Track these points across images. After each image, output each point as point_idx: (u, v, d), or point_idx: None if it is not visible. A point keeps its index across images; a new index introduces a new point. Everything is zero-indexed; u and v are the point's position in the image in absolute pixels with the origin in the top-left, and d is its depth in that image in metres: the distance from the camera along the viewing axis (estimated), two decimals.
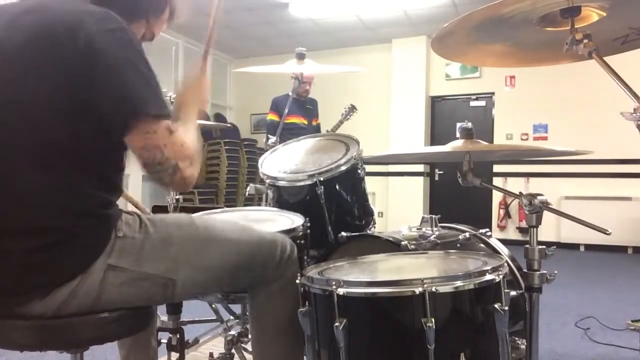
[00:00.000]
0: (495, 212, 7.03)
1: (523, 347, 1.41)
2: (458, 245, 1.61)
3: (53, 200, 1.02)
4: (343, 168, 1.79)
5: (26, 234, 1.00)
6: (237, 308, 1.79)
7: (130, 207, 1.38)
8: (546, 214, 1.27)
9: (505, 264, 1.15)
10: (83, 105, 1.00)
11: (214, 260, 1.18)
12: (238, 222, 1.37)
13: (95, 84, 0.99)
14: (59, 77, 0.99)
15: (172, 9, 1.27)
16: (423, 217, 1.73)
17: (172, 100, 1.82)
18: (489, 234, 1.74)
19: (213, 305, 1.91)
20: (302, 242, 1.53)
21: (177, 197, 2.23)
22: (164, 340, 1.56)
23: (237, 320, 1.84)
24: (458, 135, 1.44)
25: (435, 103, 7.54)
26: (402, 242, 1.49)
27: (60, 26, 1.00)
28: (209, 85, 1.33)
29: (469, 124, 1.41)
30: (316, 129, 4.65)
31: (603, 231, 1.22)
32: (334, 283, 1.07)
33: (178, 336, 1.52)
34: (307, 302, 1.15)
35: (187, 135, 1.10)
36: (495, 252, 1.63)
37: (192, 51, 7.29)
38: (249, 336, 1.77)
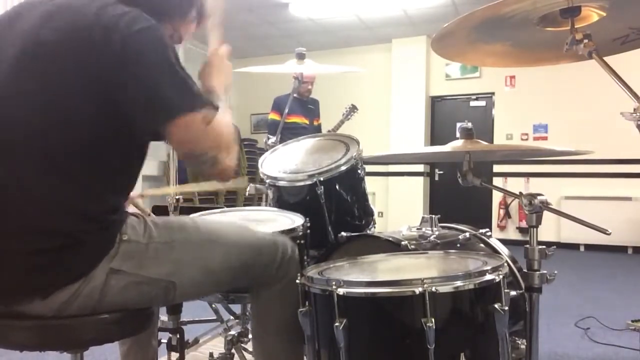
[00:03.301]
0: (495, 212, 7.03)
1: (523, 347, 1.41)
2: (458, 245, 1.61)
3: (65, 203, 1.01)
4: (343, 168, 1.79)
5: (35, 234, 1.00)
6: (237, 308, 1.79)
7: (131, 208, 1.38)
8: (546, 214, 1.27)
9: (505, 264, 1.15)
10: (112, 107, 1.00)
11: (216, 262, 1.18)
12: (239, 223, 1.37)
13: (127, 84, 0.99)
14: (91, 79, 0.99)
15: (199, 10, 1.26)
16: (423, 217, 1.73)
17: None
18: (489, 234, 1.74)
19: (213, 305, 1.91)
20: (302, 242, 1.53)
21: (177, 197, 2.23)
22: (164, 340, 1.56)
23: (237, 320, 1.84)
24: (458, 135, 1.44)
25: (435, 103, 7.54)
26: (402, 242, 1.49)
27: (95, 27, 0.99)
28: (228, 65, 1.28)
29: (469, 124, 1.41)
30: (317, 129, 4.64)
31: (603, 231, 1.22)
32: (334, 283, 1.07)
33: (178, 336, 1.52)
34: (307, 302, 1.15)
35: (222, 123, 1.07)
36: (495, 252, 1.63)
37: (191, 51, 7.28)
38: (249, 336, 1.77)
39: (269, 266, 1.26)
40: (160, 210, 2.14)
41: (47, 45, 1.01)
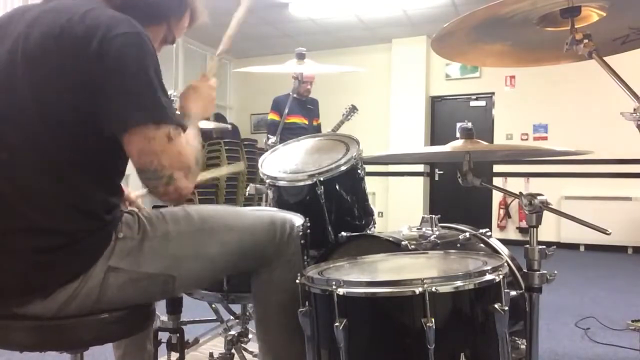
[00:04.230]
0: (495, 212, 7.03)
1: (523, 347, 1.41)
2: (458, 245, 1.61)
3: (61, 202, 1.02)
4: (343, 168, 1.79)
5: (33, 234, 1.01)
6: (237, 308, 1.79)
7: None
8: (546, 214, 1.27)
9: (505, 264, 1.15)
10: (93, 108, 1.00)
11: (213, 250, 1.18)
12: (233, 207, 1.36)
13: (102, 86, 0.99)
14: (73, 79, 0.99)
15: (192, 12, 1.26)
16: (423, 217, 1.73)
17: (174, 99, 1.81)
18: (489, 234, 1.74)
19: (213, 305, 1.91)
20: (302, 242, 1.53)
21: None
22: (164, 340, 1.56)
23: (237, 320, 1.84)
24: (458, 135, 1.44)
25: (435, 103, 7.54)
26: (402, 242, 1.49)
27: (78, 28, 1.00)
28: (214, 91, 1.29)
29: (469, 124, 1.41)
30: (317, 129, 4.65)
31: (603, 231, 1.22)
32: (334, 283, 1.07)
33: (178, 336, 1.52)
34: (307, 302, 1.15)
35: (187, 143, 1.07)
36: (495, 252, 1.63)
37: (191, 51, 7.29)
38: (249, 336, 1.77)
39: (268, 247, 1.26)
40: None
41: (33, 47, 1.01)
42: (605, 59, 1.19)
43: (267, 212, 1.36)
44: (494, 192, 6.83)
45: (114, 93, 1.00)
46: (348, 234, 1.66)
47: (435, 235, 1.61)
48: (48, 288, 1.02)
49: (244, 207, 1.35)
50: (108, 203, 1.09)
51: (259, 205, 2.15)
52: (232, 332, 1.74)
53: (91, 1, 1.09)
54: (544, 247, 1.26)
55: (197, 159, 1.09)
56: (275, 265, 1.28)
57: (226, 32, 1.37)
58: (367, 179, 1.94)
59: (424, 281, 1.01)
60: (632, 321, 2.86)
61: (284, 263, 1.28)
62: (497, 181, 6.85)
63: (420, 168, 7.29)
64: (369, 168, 2.09)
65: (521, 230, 6.81)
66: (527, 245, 1.27)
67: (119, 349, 1.47)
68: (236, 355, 1.77)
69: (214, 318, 1.96)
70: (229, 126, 6.98)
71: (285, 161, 1.94)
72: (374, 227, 1.96)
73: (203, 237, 1.17)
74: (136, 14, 1.06)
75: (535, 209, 1.24)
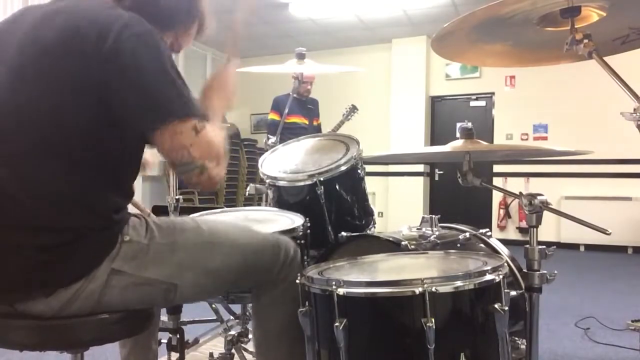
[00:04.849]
0: (495, 212, 7.03)
1: (523, 347, 1.41)
2: (458, 245, 1.61)
3: (69, 200, 1.02)
4: (343, 168, 1.79)
5: (40, 230, 1.01)
6: (237, 308, 1.79)
7: (132, 208, 1.37)
8: (546, 214, 1.27)
9: (505, 264, 1.15)
10: (105, 110, 1.00)
11: (218, 264, 1.18)
12: (242, 224, 1.37)
13: (121, 86, 1.00)
14: (87, 79, 0.99)
15: (200, 24, 1.27)
16: (423, 217, 1.73)
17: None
18: (489, 234, 1.74)
19: (213, 305, 1.91)
20: (302, 242, 1.53)
21: (176, 197, 2.23)
22: (164, 340, 1.56)
23: (237, 320, 1.84)
24: (458, 135, 1.44)
25: (435, 103, 7.54)
26: (402, 242, 1.49)
27: (90, 28, 1.00)
28: (235, 84, 1.32)
29: (469, 124, 1.41)
30: (317, 129, 4.64)
31: (603, 231, 1.22)
32: (334, 283, 1.07)
33: (178, 336, 1.52)
34: (307, 302, 1.15)
35: (214, 133, 1.08)
36: (495, 252, 1.63)
37: (191, 51, 7.29)
38: (249, 336, 1.77)
39: (271, 269, 1.26)
40: (160, 210, 2.14)
41: (42, 47, 1.01)
42: (605, 59, 1.19)
43: (274, 235, 1.36)
44: (494, 192, 6.83)
45: (133, 94, 1.00)
46: (348, 234, 1.66)
47: (435, 235, 1.61)
48: (51, 286, 1.02)
49: (253, 227, 1.35)
50: (116, 203, 1.09)
51: (259, 205, 2.15)
52: (232, 332, 1.74)
53: (102, 2, 1.10)
54: (544, 247, 1.26)
55: (224, 147, 1.11)
56: (276, 288, 1.28)
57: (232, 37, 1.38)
58: (367, 179, 1.94)
59: (424, 281, 1.01)
60: (632, 321, 2.86)
61: (285, 287, 1.28)
62: (497, 181, 6.85)
63: (420, 168, 7.29)
64: (369, 168, 2.09)
65: (521, 230, 6.81)
66: (527, 245, 1.27)
67: (125, 347, 1.47)
68: (236, 355, 1.77)
69: (214, 318, 1.96)
70: (229, 125, 6.98)
71: (285, 161, 1.94)
72: (374, 227, 1.96)
73: (208, 250, 1.17)
74: (145, 18, 1.06)
75: (535, 209, 1.24)
